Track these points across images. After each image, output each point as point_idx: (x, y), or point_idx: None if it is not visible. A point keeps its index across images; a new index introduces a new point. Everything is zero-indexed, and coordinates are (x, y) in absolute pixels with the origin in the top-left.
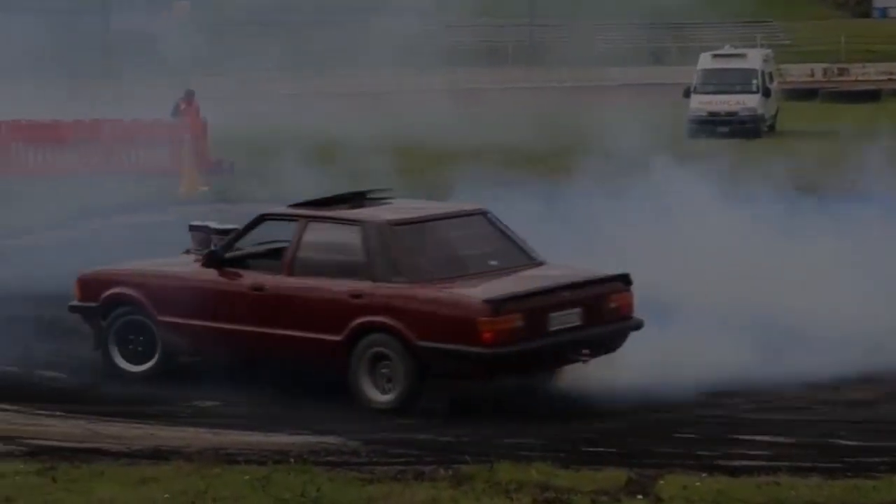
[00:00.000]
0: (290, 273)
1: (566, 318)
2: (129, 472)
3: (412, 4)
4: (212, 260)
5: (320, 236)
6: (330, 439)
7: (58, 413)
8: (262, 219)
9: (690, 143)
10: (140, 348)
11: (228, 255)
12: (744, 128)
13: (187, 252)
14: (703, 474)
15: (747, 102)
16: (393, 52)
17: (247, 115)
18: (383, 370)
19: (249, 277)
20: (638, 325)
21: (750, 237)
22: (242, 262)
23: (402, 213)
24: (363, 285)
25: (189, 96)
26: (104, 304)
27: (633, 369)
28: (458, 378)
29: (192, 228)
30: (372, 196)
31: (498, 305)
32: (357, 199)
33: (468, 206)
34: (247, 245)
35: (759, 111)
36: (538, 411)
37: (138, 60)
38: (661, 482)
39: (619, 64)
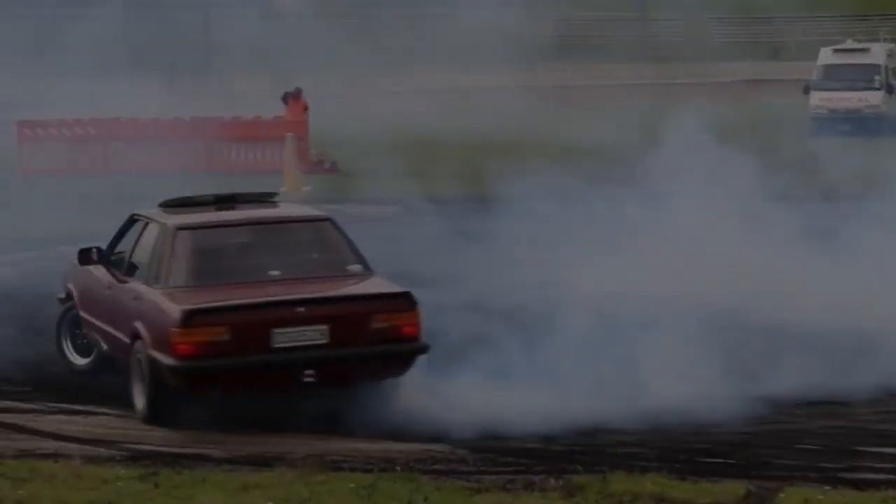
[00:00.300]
0: (127, 274)
1: (299, 336)
2: (231, 478)
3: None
4: (98, 258)
5: (146, 238)
6: (437, 447)
7: None
8: (132, 218)
9: (814, 142)
10: (84, 341)
11: (113, 255)
12: (866, 126)
13: None
14: (827, 487)
15: (870, 99)
16: (498, 47)
17: (350, 112)
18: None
19: (107, 277)
20: (417, 350)
21: None
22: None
23: (205, 217)
24: (142, 288)
25: (295, 93)
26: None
27: (753, 377)
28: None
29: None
30: (243, 198)
31: (193, 316)
32: (226, 201)
33: (298, 213)
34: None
35: (883, 108)
36: (652, 419)
37: (238, 57)
38: (782, 495)
39: (735, 59)
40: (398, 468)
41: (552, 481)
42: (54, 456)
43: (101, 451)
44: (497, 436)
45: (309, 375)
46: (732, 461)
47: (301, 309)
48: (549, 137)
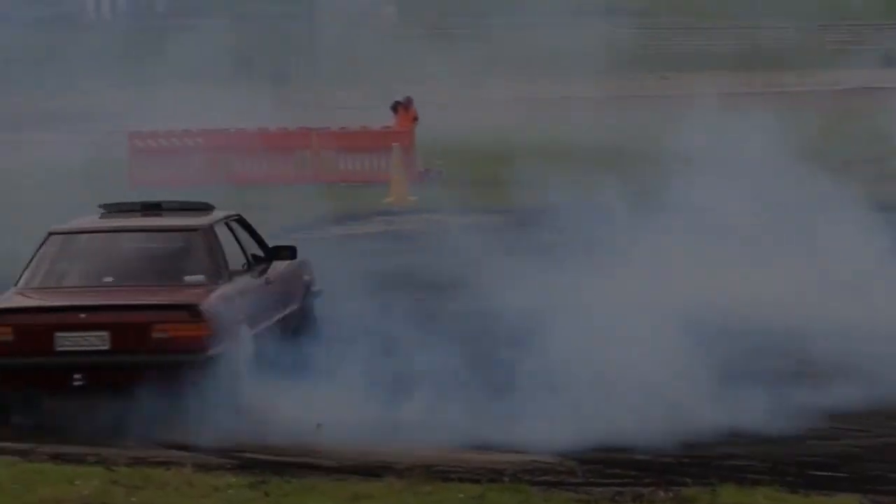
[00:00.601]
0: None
1: (81, 341)
2: (340, 487)
3: (627, 6)
4: None
5: None
6: (545, 457)
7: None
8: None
9: None
10: None
11: None
12: None
13: None
14: None
15: None
16: (607, 57)
17: (456, 121)
18: None
19: None
20: (199, 362)
21: None
22: None
23: (89, 223)
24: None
25: (405, 102)
26: None
27: (856, 388)
28: None
29: None
30: (170, 206)
31: None
32: (152, 208)
33: (176, 223)
34: None
35: None
36: (764, 431)
37: (345, 68)
38: None
39: (847, 66)
40: (506, 479)
41: (661, 494)
42: (166, 464)
43: (212, 459)
44: (606, 447)
45: (78, 379)
46: (844, 474)
47: (83, 315)
48: (651, 146)
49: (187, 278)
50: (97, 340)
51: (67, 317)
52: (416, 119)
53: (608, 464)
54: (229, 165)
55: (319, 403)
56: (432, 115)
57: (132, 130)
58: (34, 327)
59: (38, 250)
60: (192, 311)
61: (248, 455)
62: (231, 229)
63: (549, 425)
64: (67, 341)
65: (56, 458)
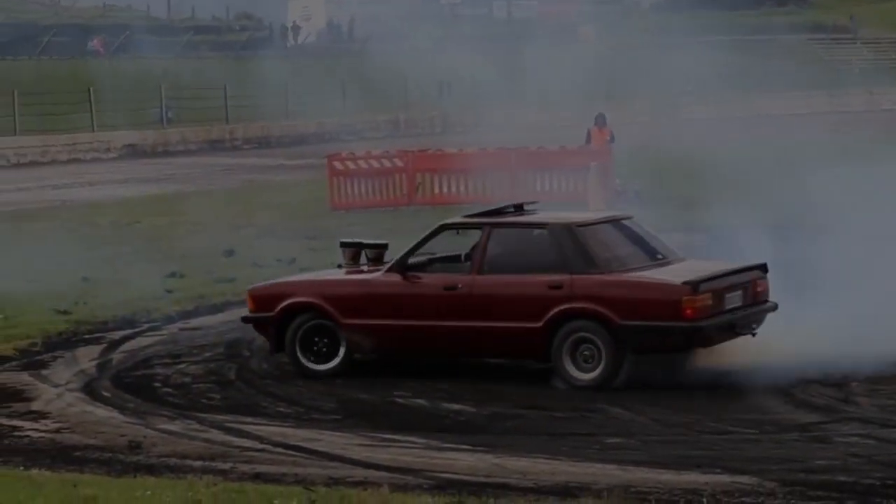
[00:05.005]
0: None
1: (734, 299)
2: None
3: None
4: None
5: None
6: (744, 479)
7: (464, 446)
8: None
9: None
10: (324, 349)
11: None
12: None
13: (339, 266)
14: None
15: None
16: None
17: (657, 139)
18: None
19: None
20: (774, 308)
21: None
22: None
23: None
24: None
25: (600, 121)
26: (281, 314)
27: None
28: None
29: (343, 245)
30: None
31: (696, 286)
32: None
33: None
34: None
35: None
36: None
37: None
38: None
39: None
40: (704, 500)
41: None
42: (363, 484)
43: (409, 479)
44: (807, 469)
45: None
46: None
47: (733, 278)
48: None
49: None
50: (738, 298)
51: (728, 281)
52: (611, 137)
53: (810, 486)
54: (425, 186)
55: None
56: (632, 133)
57: (331, 153)
58: (719, 291)
59: None
60: (763, 269)
61: (445, 475)
62: None
63: None
64: (729, 301)
65: (256, 477)
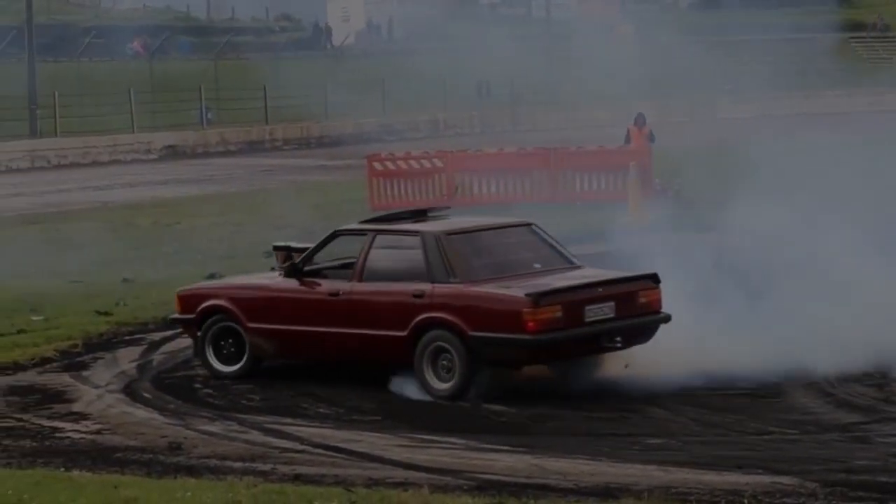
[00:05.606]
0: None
1: (600, 311)
2: None
3: None
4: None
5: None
6: (786, 479)
7: (503, 447)
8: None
9: None
10: (232, 350)
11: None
12: None
13: (272, 269)
14: None
15: None
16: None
17: (698, 139)
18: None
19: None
20: (665, 319)
21: None
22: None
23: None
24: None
25: (639, 121)
26: (199, 316)
27: None
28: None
29: (276, 248)
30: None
31: (539, 299)
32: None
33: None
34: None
35: None
36: None
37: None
38: None
39: None
40: (745, 501)
41: None
42: (403, 485)
43: (449, 479)
44: (848, 469)
45: (618, 342)
46: None
47: (600, 290)
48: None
49: None
50: (608, 310)
51: (590, 293)
52: (651, 137)
53: (851, 486)
54: (465, 187)
55: None
56: (673, 133)
57: (371, 153)
58: (574, 304)
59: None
60: (654, 279)
61: (484, 476)
62: None
63: None
64: (591, 313)
65: (296, 478)
